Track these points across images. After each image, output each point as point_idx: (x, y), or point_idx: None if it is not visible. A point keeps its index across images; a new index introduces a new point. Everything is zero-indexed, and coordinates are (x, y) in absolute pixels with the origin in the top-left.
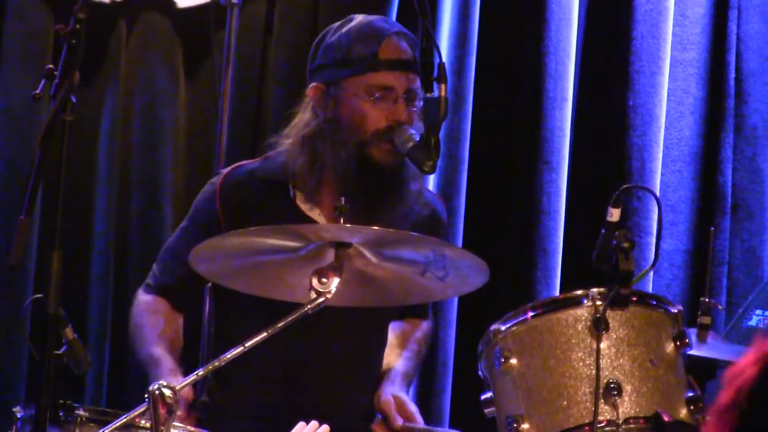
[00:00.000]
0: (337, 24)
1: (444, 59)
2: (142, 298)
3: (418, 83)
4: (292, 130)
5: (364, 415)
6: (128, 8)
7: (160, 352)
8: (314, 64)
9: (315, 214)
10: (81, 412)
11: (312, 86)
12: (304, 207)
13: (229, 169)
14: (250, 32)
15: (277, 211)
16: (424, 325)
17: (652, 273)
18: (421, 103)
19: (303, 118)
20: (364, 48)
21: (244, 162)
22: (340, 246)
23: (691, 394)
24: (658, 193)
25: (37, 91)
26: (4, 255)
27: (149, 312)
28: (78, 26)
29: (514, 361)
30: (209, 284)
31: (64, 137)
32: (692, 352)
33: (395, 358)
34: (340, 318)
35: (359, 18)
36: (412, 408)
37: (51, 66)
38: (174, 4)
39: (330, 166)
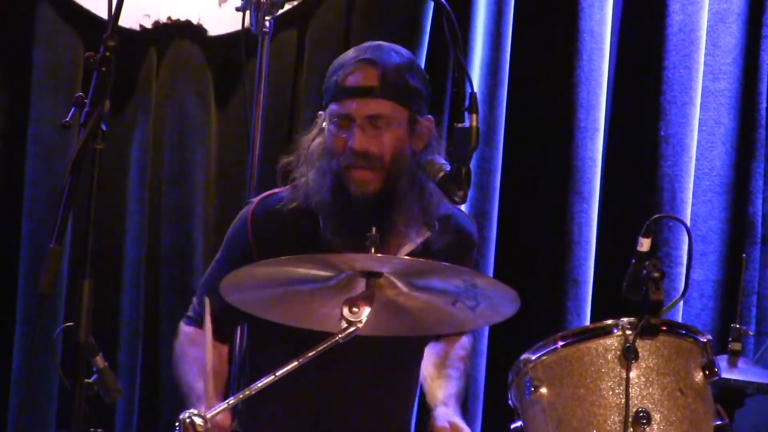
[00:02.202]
0: None
1: (476, 89)
2: (185, 329)
3: (385, 109)
4: (298, 154)
5: None
6: (159, 36)
7: (202, 385)
8: None
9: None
10: None
11: (319, 114)
12: (331, 235)
13: (259, 198)
14: (282, 61)
15: (309, 241)
16: (465, 341)
17: (681, 303)
18: (396, 128)
19: (305, 143)
20: (333, 77)
21: (274, 190)
22: (371, 276)
23: (719, 423)
24: (688, 224)
25: (68, 119)
26: (34, 283)
27: (193, 344)
28: (108, 54)
29: (544, 390)
30: None
31: (95, 165)
32: (723, 375)
33: (444, 381)
34: (371, 347)
35: (359, 46)
36: None
37: (81, 94)
38: (205, 32)
39: (314, 193)
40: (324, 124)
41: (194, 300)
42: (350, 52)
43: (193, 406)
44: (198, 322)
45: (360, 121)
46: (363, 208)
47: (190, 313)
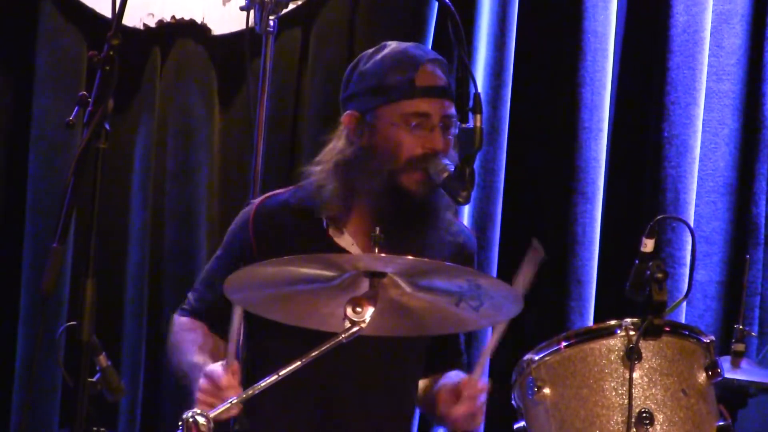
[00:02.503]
0: (370, 51)
1: (479, 89)
2: (179, 319)
3: (453, 110)
4: (324, 156)
5: None
6: (163, 35)
7: (202, 359)
8: (348, 92)
9: (347, 243)
10: None
11: (347, 114)
12: (336, 236)
13: (261, 198)
14: (286, 60)
15: (310, 241)
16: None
17: (685, 303)
18: (457, 131)
19: (337, 145)
20: (400, 75)
21: (276, 191)
22: (375, 275)
23: (722, 423)
24: (692, 224)
25: (71, 118)
26: (37, 282)
27: (187, 330)
28: (112, 53)
29: (547, 390)
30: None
31: (98, 165)
32: (726, 376)
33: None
34: (373, 347)
35: (393, 45)
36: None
37: (84, 93)
38: (209, 31)
39: (363, 195)
40: (376, 122)
41: (190, 295)
42: (407, 50)
43: (196, 381)
44: (193, 314)
45: (438, 121)
46: (414, 209)
47: (184, 306)
